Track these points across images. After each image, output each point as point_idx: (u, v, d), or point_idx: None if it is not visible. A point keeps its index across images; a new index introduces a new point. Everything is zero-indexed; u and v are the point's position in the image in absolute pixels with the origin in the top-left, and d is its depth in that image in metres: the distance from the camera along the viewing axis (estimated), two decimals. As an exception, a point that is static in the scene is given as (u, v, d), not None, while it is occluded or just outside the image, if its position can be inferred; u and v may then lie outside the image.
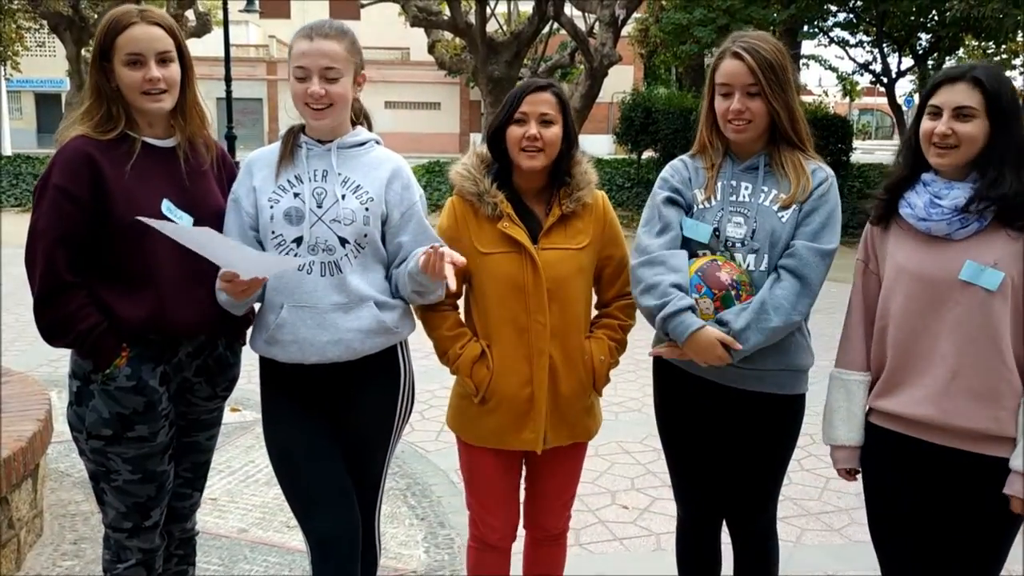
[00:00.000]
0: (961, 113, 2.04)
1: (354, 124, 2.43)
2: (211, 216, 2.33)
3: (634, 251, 2.39)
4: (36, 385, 3.84)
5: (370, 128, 2.48)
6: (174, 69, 2.28)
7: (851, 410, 2.26)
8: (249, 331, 2.46)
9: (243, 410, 4.88)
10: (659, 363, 2.50)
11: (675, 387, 2.47)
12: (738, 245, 2.31)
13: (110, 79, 2.25)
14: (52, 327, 2.22)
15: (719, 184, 2.36)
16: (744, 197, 2.34)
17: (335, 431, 2.40)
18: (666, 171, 2.47)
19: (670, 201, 2.38)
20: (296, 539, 3.42)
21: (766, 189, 2.32)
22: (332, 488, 2.34)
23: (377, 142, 2.44)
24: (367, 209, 2.30)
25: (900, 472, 2.20)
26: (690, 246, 2.36)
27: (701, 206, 2.37)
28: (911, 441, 2.16)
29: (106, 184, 2.19)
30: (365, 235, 2.29)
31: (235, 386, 2.55)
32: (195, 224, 2.27)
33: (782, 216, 2.29)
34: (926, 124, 2.10)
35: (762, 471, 2.46)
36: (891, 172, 2.25)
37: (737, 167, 2.37)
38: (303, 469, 2.35)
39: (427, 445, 4.65)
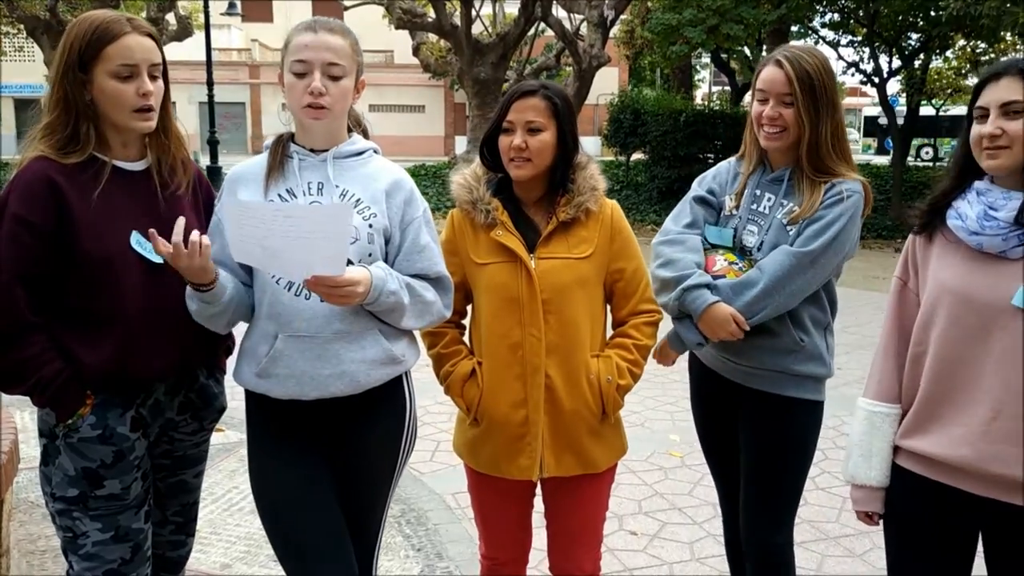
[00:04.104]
0: (1010, 110, 1.79)
1: (350, 131, 2.20)
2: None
3: (658, 234, 2.47)
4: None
5: (366, 136, 2.26)
6: (160, 85, 2.04)
7: (875, 446, 1.99)
8: (231, 359, 2.22)
9: (227, 430, 4.62)
10: (692, 364, 2.57)
11: (701, 385, 2.55)
12: (748, 254, 2.34)
13: (85, 92, 1.98)
14: (9, 372, 1.97)
15: (746, 191, 2.40)
16: (764, 208, 2.35)
17: (332, 473, 2.15)
18: (711, 170, 2.56)
19: (702, 200, 2.47)
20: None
21: (785, 203, 2.31)
22: (328, 543, 2.08)
23: (376, 151, 2.22)
24: (371, 226, 2.07)
25: (929, 523, 1.93)
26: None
27: (728, 212, 2.43)
28: (943, 489, 1.88)
29: (71, 214, 1.94)
30: (369, 254, 2.06)
31: (223, 416, 2.32)
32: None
33: (790, 230, 2.28)
34: (975, 129, 1.85)
35: (768, 482, 2.36)
36: (936, 185, 1.99)
37: (766, 177, 2.38)
38: (297, 524, 2.08)
39: (421, 467, 4.41)
